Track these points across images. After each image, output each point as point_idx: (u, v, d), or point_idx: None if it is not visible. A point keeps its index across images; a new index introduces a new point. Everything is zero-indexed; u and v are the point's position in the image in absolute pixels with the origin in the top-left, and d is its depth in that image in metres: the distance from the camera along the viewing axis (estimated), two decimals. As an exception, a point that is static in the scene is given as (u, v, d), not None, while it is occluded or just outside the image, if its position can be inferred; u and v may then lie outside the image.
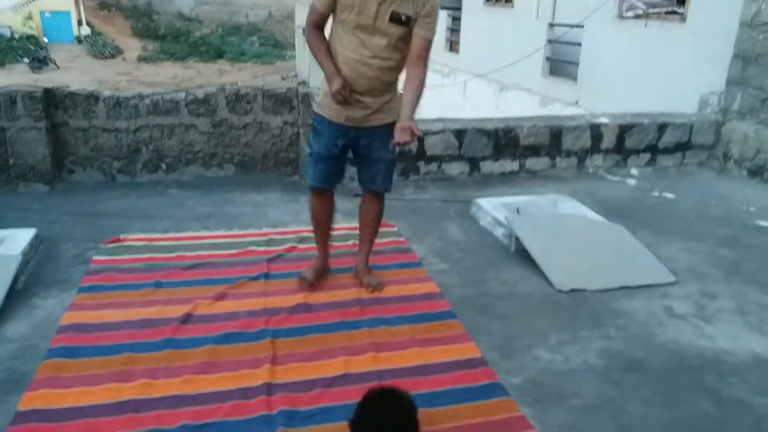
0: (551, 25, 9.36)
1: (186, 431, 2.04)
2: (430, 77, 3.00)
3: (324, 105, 2.87)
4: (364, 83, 2.73)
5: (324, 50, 2.76)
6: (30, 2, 31.12)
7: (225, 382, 2.31)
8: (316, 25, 2.77)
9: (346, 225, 3.87)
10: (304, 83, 7.52)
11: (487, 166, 5.04)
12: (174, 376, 2.32)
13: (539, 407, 2.26)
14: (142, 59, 30.11)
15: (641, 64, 7.24)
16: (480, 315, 2.92)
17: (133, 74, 26.30)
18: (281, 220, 4.00)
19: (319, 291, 3.04)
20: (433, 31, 2.72)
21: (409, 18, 2.65)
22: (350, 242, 3.60)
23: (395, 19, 2.64)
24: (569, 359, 2.58)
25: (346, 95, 2.70)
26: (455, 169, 4.98)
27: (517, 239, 3.56)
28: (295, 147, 4.83)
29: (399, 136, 2.64)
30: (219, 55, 31.84)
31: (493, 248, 3.69)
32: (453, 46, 13.31)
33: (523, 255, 3.50)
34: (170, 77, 25.42)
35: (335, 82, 2.69)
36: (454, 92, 11.54)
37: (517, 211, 3.98)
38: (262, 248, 3.52)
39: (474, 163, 5.01)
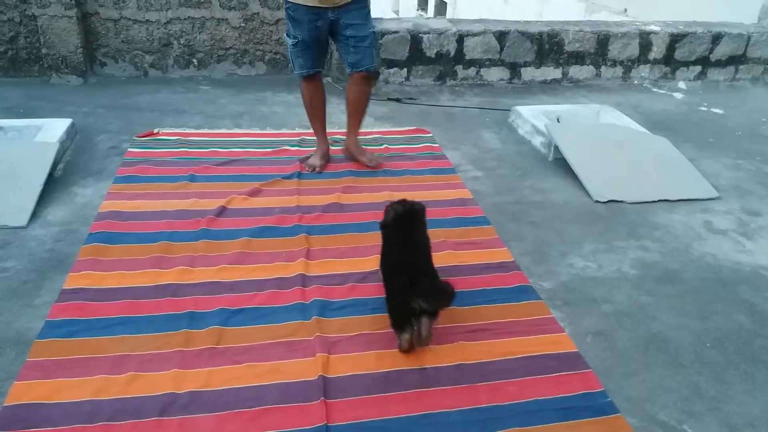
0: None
1: (223, 316, 2.10)
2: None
3: None
4: None
5: None
6: None
7: (261, 272, 2.35)
8: None
9: (378, 129, 3.81)
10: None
11: (528, 73, 4.83)
12: (211, 265, 2.37)
13: (570, 311, 2.27)
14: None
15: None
16: (513, 222, 2.88)
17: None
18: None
19: (351, 192, 3.03)
20: None
21: None
22: (383, 146, 3.55)
23: None
24: (602, 267, 2.56)
25: None
26: (495, 75, 4.78)
27: (556, 148, 3.45)
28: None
29: None
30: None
31: (531, 157, 3.60)
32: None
33: (560, 164, 3.41)
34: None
35: None
36: (494, -3, 10.93)
37: (558, 119, 3.84)
38: (295, 148, 3.49)
39: (515, 69, 4.80)
